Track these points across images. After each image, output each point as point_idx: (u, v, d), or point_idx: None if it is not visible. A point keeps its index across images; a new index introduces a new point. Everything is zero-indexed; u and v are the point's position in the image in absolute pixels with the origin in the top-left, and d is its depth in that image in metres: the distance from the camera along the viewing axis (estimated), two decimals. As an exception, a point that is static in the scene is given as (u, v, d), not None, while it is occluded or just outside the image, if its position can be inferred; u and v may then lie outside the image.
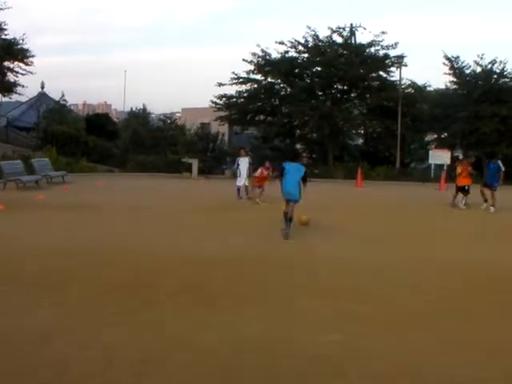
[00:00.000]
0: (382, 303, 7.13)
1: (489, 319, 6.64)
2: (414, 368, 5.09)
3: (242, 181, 20.24)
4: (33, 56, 38.09)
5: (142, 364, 5.00)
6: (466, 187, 18.78)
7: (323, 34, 37.33)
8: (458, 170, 19.33)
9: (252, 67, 37.55)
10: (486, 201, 18.30)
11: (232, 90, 38.42)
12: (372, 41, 36.73)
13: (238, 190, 20.34)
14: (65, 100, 43.02)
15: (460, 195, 18.91)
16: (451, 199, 19.12)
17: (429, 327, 6.25)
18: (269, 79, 38.10)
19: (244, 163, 20.51)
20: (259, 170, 19.39)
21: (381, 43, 36.58)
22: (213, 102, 38.16)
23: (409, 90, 37.88)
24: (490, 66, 35.79)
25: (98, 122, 40.67)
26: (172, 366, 5.00)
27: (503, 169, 18.71)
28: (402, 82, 37.16)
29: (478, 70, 36.21)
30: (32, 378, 4.69)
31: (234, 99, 38.14)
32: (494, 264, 9.91)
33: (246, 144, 38.87)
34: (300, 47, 37.24)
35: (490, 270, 9.42)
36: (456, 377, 4.94)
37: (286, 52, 37.28)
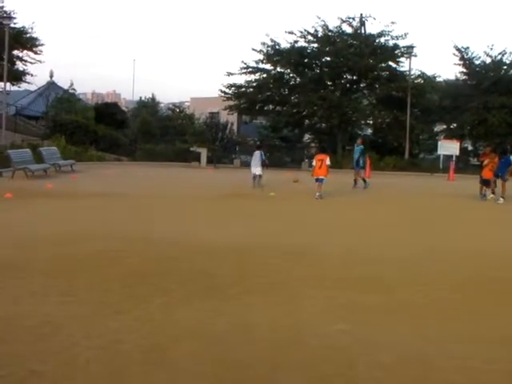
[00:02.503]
0: (389, 293, 7.12)
1: (498, 310, 6.61)
2: (421, 358, 5.09)
3: (258, 169, 20.80)
4: (42, 45, 38.20)
5: (150, 352, 5.02)
6: (488, 181, 18.65)
7: (333, 23, 37.34)
8: (486, 161, 19.14)
9: (261, 57, 37.52)
10: (493, 192, 18.43)
11: (241, 79, 38.54)
12: (382, 31, 36.59)
13: (254, 177, 20.83)
14: (74, 89, 43.12)
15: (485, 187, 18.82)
16: (479, 191, 18.93)
17: (437, 318, 6.24)
18: (278, 69, 38.00)
19: (257, 156, 21.15)
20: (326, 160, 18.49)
21: (390, 33, 36.46)
22: (222, 91, 38.16)
23: (418, 81, 37.66)
24: (499, 56, 35.63)
25: (107, 111, 40.77)
26: (180, 354, 5.01)
27: None
28: (412, 73, 37.00)
29: (488, 60, 36.08)
30: (41, 364, 4.72)
31: (243, 89, 38.09)
32: (505, 254, 9.87)
33: (255, 134, 38.90)
34: (309, 37, 37.12)
35: (500, 259, 9.38)
36: (463, 368, 4.93)
37: (296, 42, 37.20)
